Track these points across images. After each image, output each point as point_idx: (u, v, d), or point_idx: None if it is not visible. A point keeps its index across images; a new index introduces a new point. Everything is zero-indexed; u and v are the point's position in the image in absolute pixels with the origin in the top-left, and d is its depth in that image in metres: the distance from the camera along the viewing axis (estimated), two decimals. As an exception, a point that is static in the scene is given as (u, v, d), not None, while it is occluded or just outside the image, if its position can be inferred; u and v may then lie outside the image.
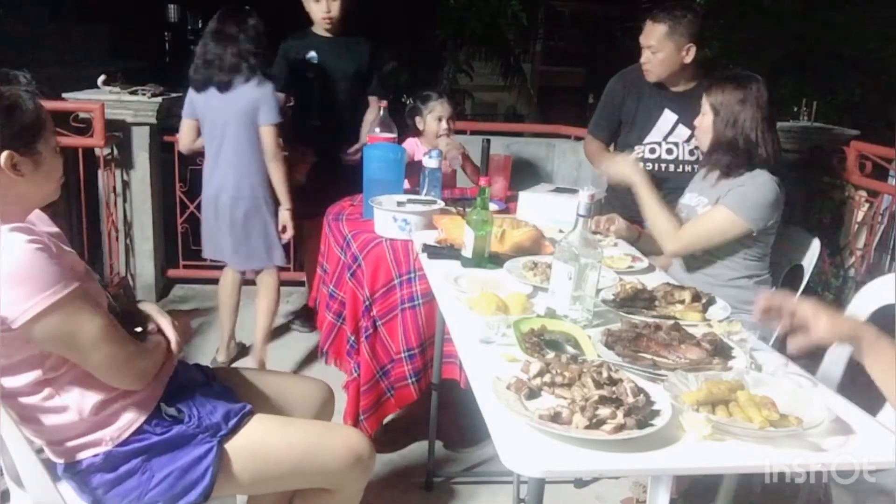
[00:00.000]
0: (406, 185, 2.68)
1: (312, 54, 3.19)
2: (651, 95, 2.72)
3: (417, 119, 3.04)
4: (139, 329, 1.51)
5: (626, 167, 2.25)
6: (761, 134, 2.08)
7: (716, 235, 2.07)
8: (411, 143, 3.04)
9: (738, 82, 2.12)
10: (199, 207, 3.82)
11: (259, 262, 2.99)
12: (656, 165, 2.72)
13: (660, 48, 2.58)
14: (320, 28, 3.20)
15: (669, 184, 2.62)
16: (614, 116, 2.85)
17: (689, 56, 2.58)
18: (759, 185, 2.06)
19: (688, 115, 2.60)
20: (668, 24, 2.55)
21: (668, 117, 2.69)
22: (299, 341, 3.45)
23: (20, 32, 4.57)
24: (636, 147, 2.73)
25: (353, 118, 3.24)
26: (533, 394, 1.24)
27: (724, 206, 2.07)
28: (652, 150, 2.72)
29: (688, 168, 2.66)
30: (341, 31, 3.21)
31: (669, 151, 2.71)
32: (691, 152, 2.66)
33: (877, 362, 1.19)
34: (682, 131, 2.67)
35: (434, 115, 3.00)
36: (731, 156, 2.11)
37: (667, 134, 2.70)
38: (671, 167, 2.71)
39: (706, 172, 2.24)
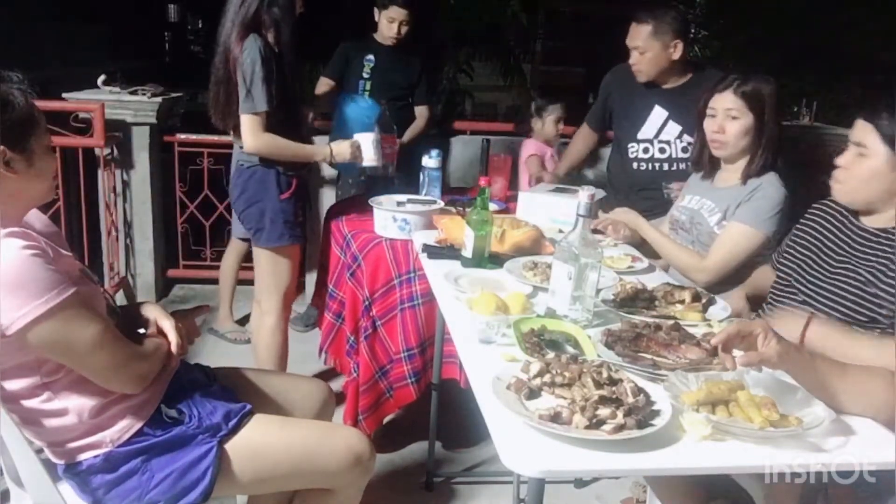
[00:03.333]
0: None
1: (370, 58, 3.41)
2: (641, 92, 2.73)
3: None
4: (142, 331, 1.51)
5: (626, 214, 2.26)
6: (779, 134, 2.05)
7: (740, 253, 2.01)
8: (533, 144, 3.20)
9: (764, 81, 2.05)
10: (198, 207, 3.84)
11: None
12: (650, 165, 2.72)
13: (647, 48, 2.60)
14: (381, 37, 3.41)
15: (665, 183, 2.62)
16: (603, 108, 2.97)
17: (677, 52, 2.60)
18: (769, 195, 2.01)
19: (678, 111, 2.61)
20: (652, 24, 2.57)
21: (658, 113, 2.70)
22: (299, 341, 3.44)
23: (20, 32, 4.55)
24: (630, 145, 2.74)
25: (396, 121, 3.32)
26: (533, 394, 1.24)
27: (740, 222, 2.02)
28: (645, 150, 2.73)
29: (682, 166, 2.66)
30: (399, 44, 3.43)
31: (662, 150, 2.71)
32: (684, 149, 2.66)
33: (808, 380, 1.23)
34: (673, 128, 2.68)
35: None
36: (768, 155, 2.04)
37: (658, 131, 2.71)
38: (665, 166, 2.71)
39: (705, 174, 2.21)
